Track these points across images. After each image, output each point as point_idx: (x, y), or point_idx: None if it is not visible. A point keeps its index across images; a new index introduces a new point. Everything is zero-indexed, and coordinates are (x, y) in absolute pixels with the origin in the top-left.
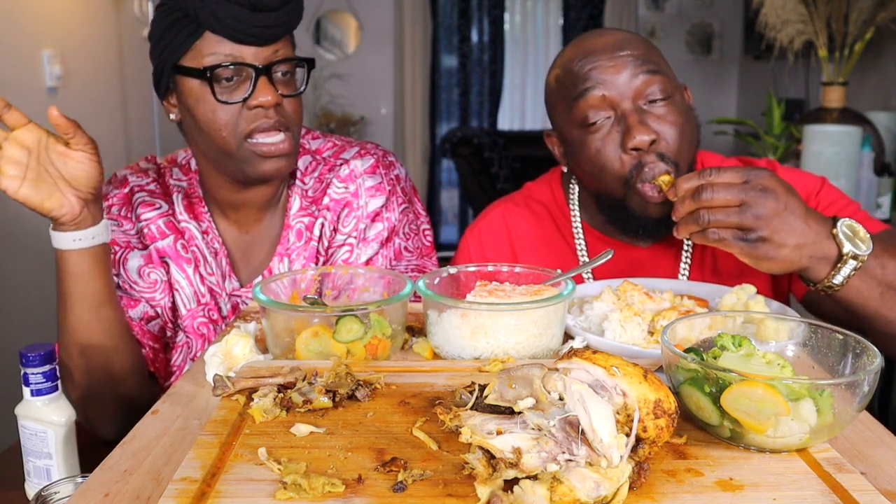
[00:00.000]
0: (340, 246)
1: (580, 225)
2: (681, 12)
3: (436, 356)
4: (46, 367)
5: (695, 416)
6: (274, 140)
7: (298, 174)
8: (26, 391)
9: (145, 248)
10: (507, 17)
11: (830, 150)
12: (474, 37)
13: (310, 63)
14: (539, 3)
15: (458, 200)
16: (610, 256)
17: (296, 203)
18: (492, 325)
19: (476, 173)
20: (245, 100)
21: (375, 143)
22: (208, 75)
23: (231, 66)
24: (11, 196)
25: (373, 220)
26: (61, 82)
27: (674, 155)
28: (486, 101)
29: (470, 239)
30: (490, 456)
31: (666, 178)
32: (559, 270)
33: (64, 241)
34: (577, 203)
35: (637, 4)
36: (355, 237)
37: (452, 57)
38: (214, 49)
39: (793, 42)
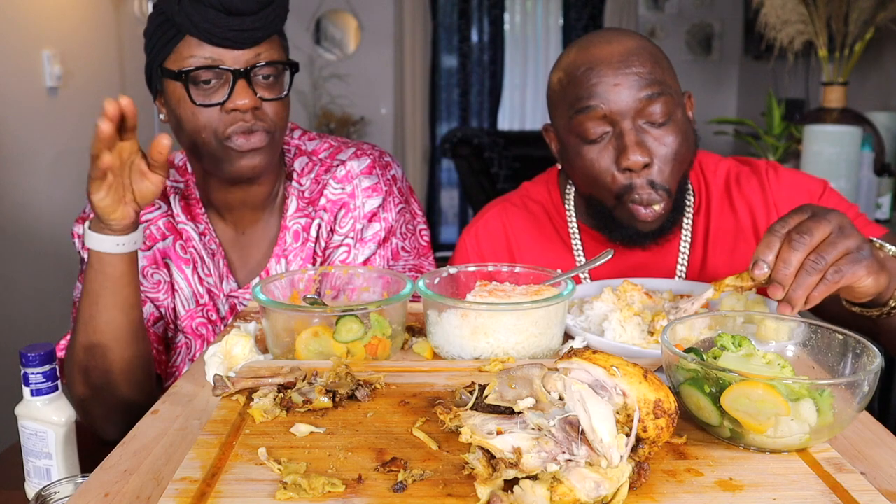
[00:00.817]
0: (337, 247)
1: (577, 225)
2: (681, 12)
3: (436, 356)
4: (46, 367)
5: (695, 416)
6: (250, 141)
7: (295, 175)
8: (26, 391)
9: (149, 248)
10: (507, 17)
11: (830, 150)
12: (474, 37)
13: (293, 66)
14: (539, 3)
15: (458, 200)
16: (610, 256)
17: (292, 204)
18: (492, 325)
19: (476, 173)
20: (223, 103)
21: (372, 143)
22: (184, 78)
23: (207, 70)
24: (89, 196)
25: (370, 221)
26: (61, 82)
27: (665, 181)
28: (486, 101)
29: (467, 239)
30: (490, 456)
31: (728, 279)
32: (559, 270)
33: (107, 244)
34: (573, 203)
35: (637, 4)
36: (352, 238)
37: (452, 57)
38: (194, 52)
39: (793, 42)
